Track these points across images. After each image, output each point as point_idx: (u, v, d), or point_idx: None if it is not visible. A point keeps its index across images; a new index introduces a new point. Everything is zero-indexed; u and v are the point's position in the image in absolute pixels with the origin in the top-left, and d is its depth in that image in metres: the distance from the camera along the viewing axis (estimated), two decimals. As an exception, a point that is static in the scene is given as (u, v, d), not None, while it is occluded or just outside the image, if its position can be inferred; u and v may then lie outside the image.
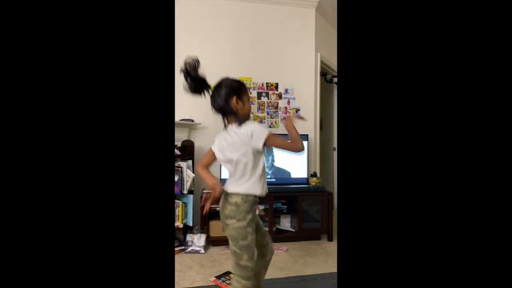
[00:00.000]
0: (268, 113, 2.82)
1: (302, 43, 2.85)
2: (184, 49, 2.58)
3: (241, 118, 1.11)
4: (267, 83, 2.82)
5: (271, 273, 1.79)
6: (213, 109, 1.14)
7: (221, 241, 2.23)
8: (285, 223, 2.48)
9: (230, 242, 1.10)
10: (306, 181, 2.52)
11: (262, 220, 2.38)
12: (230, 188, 1.10)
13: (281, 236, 2.36)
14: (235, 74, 2.72)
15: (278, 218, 2.48)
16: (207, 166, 1.19)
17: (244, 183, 1.07)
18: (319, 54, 2.91)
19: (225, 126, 1.15)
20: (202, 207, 1.10)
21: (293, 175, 2.53)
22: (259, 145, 1.05)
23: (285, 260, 1.99)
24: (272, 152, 2.48)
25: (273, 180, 2.43)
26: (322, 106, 3.68)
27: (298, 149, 1.07)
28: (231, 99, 1.10)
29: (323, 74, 3.33)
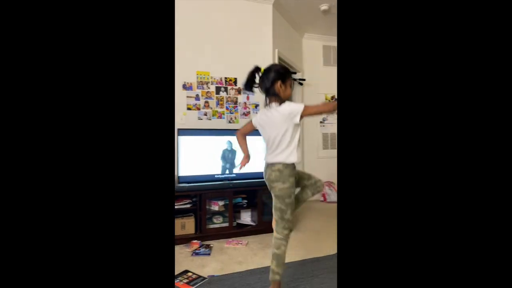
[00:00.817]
0: (227, 108, 2.79)
1: (259, 38, 2.86)
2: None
3: (282, 99, 1.30)
4: (225, 77, 2.79)
5: (231, 267, 1.80)
6: (260, 88, 1.34)
7: (180, 240, 2.17)
8: (246, 217, 2.50)
9: (275, 200, 1.33)
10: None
11: (222, 215, 2.38)
12: (270, 159, 1.32)
13: (241, 231, 2.37)
14: (192, 68, 2.67)
15: (239, 213, 2.49)
16: (245, 135, 1.49)
17: (282, 153, 1.28)
18: (276, 50, 2.95)
19: (267, 104, 1.33)
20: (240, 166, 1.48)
21: (253, 170, 2.55)
22: (297, 120, 1.23)
23: (244, 254, 2.01)
24: (235, 150, 2.47)
25: (233, 175, 2.43)
26: (282, 102, 3.76)
27: (331, 110, 1.23)
28: (276, 82, 1.29)
29: (282, 70, 3.39)
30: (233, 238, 2.29)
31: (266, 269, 1.74)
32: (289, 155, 1.28)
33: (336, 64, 3.89)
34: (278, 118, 1.26)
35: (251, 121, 1.43)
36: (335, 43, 3.86)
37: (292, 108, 1.24)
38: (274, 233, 1.37)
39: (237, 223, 2.44)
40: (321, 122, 3.87)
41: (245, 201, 2.49)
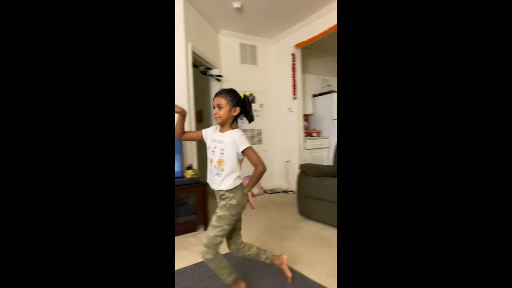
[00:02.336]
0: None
1: (170, 30, 2.71)
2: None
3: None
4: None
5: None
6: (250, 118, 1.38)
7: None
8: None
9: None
10: (180, 174, 2.45)
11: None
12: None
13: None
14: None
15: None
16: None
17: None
18: (190, 45, 2.85)
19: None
20: None
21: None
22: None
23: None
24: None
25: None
26: (200, 99, 3.67)
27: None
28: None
29: (196, 66, 3.31)
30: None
31: (177, 272, 1.65)
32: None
33: (253, 63, 4.01)
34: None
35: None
36: (252, 42, 3.98)
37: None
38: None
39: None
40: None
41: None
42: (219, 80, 3.62)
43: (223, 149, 1.26)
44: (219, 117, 1.27)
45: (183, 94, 2.78)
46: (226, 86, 3.74)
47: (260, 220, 2.64)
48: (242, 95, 1.33)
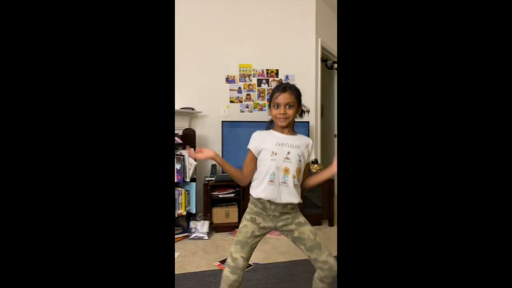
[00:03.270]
0: (268, 100, 2.80)
1: (302, 28, 2.80)
2: (181, 34, 2.55)
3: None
4: (267, 69, 2.79)
5: (274, 257, 1.84)
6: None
7: (224, 228, 2.27)
8: (287, 209, 2.51)
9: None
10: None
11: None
12: None
13: (283, 222, 2.40)
14: (234, 60, 2.71)
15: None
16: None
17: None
18: (319, 40, 2.86)
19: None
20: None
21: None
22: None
23: (287, 245, 2.03)
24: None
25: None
26: (323, 93, 3.65)
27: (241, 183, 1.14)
28: None
29: (324, 60, 3.29)
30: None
31: (309, 261, 1.74)
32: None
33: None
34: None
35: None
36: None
37: None
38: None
39: (278, 215, 2.46)
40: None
41: (286, 193, 2.50)
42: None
43: (300, 155, 1.05)
44: (288, 118, 1.04)
45: (312, 90, 2.83)
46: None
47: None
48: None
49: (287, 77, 2.81)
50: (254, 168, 1.09)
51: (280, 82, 2.81)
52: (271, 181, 1.03)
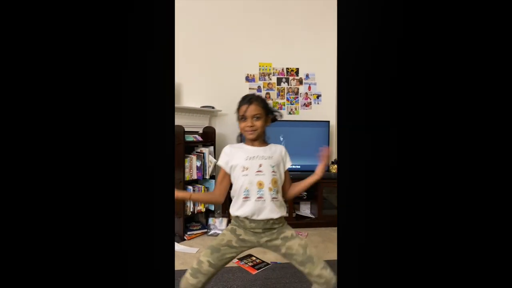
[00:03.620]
0: (288, 99, 2.79)
1: (323, 26, 2.75)
2: (198, 32, 2.58)
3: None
4: (287, 68, 2.77)
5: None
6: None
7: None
8: (305, 210, 2.50)
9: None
10: (327, 168, 2.50)
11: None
12: None
13: (300, 222, 2.39)
14: (254, 59, 2.71)
15: (298, 205, 2.50)
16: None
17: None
18: (342, 37, 2.80)
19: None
20: None
21: (315, 163, 2.52)
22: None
23: (305, 245, 2.02)
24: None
25: (298, 167, 2.43)
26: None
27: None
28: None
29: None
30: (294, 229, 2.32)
31: (328, 262, 1.72)
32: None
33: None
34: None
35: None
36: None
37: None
38: None
39: (296, 215, 2.45)
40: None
41: (305, 193, 2.49)
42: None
43: (273, 166, 1.03)
44: (256, 130, 1.02)
45: (332, 89, 2.79)
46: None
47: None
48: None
49: (307, 75, 2.79)
50: (228, 185, 1.07)
51: (300, 80, 2.78)
52: (246, 197, 1.00)
